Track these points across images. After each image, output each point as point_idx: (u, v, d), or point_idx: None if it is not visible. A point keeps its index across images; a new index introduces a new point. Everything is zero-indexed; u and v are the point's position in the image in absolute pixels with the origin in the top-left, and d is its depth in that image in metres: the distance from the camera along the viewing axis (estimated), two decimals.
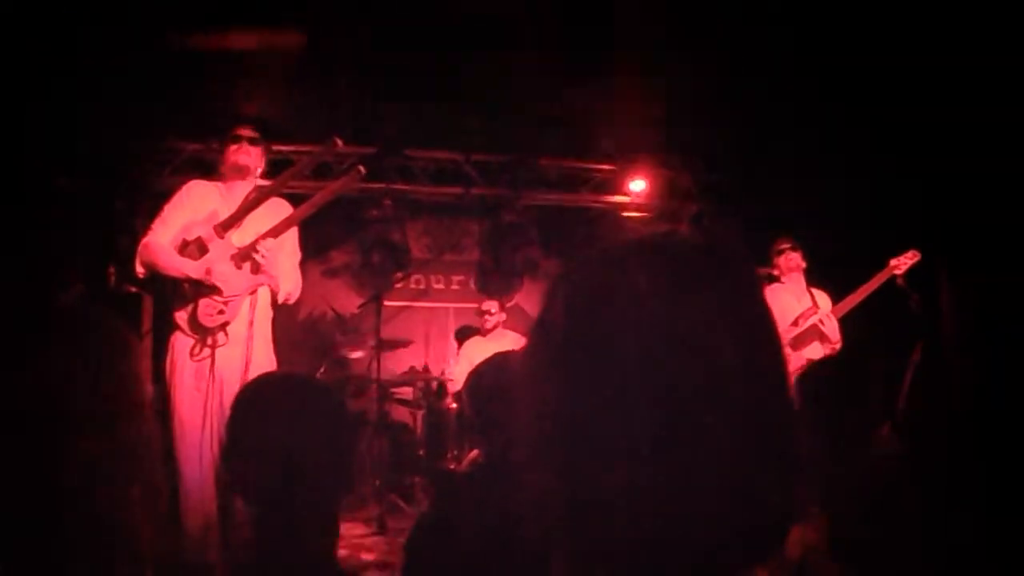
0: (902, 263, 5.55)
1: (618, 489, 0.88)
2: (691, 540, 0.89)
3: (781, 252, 5.75)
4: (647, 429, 0.87)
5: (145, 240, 4.19)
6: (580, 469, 0.92)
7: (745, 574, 0.93)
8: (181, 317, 4.10)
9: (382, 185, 7.18)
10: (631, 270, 0.94)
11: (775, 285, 5.77)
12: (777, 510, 0.92)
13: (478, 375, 2.66)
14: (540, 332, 0.99)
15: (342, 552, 4.59)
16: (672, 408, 0.88)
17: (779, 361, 0.95)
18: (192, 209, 4.24)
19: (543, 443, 0.97)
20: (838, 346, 5.56)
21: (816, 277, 5.80)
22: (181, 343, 4.10)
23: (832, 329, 5.55)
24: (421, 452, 6.28)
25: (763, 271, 5.92)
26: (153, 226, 4.23)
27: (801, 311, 5.63)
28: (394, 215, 7.40)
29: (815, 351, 5.54)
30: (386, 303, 6.86)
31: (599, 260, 0.98)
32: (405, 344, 6.86)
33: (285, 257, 4.29)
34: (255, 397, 1.96)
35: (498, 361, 2.66)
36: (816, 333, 5.57)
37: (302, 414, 1.86)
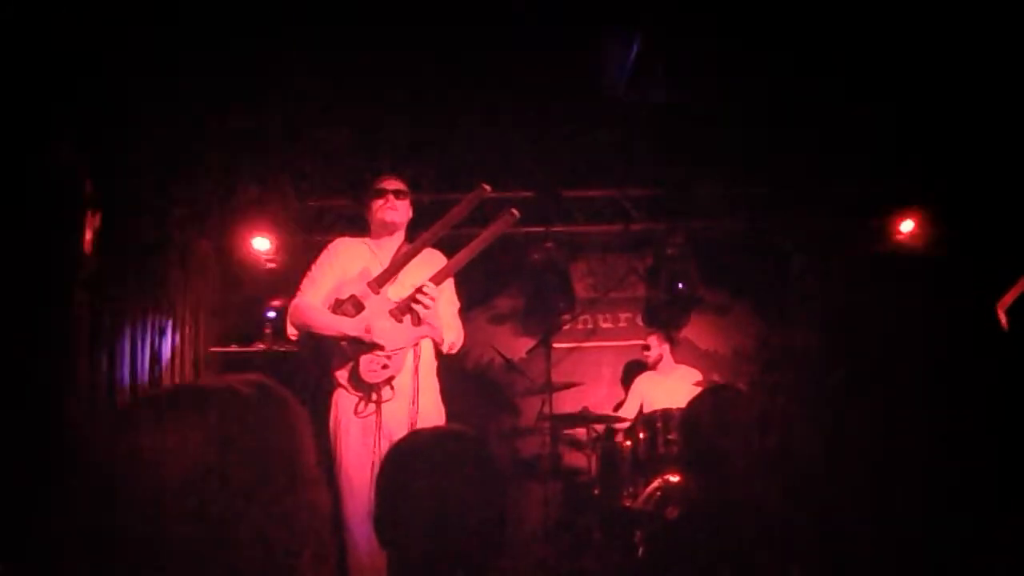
0: None
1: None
2: None
3: None
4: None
5: (295, 302, 4.21)
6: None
7: None
8: (342, 375, 4.10)
9: (541, 228, 7.22)
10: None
11: None
12: None
13: (693, 411, 2.62)
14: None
15: None
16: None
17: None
18: (341, 267, 4.24)
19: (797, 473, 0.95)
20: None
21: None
22: (344, 400, 4.10)
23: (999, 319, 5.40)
24: (596, 491, 6.23)
25: None
26: (302, 287, 4.24)
27: None
28: (556, 257, 7.40)
29: None
30: (555, 345, 6.86)
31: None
32: (575, 385, 6.83)
33: (444, 305, 4.27)
34: (402, 455, 1.96)
35: (713, 397, 2.62)
36: None
37: (450, 469, 1.85)
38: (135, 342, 5.02)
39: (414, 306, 4.04)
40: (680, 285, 7.43)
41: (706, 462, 2.46)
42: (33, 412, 3.89)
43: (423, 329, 4.14)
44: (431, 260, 4.28)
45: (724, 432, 2.40)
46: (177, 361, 5.48)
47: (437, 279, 4.12)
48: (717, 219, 7.43)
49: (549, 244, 7.34)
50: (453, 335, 4.30)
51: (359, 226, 4.46)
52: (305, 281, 4.27)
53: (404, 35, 5.13)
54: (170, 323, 5.46)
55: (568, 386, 6.67)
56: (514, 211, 4.13)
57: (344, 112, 5.63)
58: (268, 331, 5.28)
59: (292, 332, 4.22)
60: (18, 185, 3.99)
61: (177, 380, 5.29)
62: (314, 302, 4.17)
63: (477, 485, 1.86)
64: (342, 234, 4.45)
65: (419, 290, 4.03)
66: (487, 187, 4.11)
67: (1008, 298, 5.49)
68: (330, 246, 4.35)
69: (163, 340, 5.36)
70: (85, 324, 4.52)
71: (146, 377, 5.08)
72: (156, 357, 5.23)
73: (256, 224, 6.22)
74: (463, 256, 4.17)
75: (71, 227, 4.49)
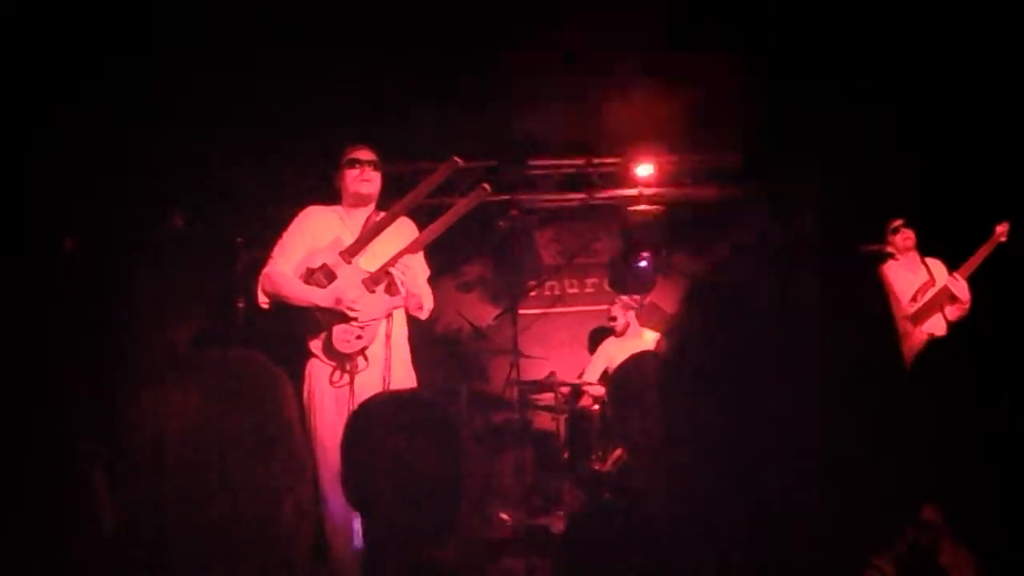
0: (1007, 229, 5.60)
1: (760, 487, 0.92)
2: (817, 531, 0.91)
3: (896, 231, 5.88)
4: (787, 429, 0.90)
5: (266, 270, 4.19)
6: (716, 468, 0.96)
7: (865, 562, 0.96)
8: (316, 345, 4.11)
9: (507, 196, 7.27)
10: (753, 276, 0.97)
11: (891, 263, 5.91)
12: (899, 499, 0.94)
13: (617, 376, 2.68)
14: (677, 340, 1.04)
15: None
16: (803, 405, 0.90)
17: (898, 353, 0.96)
18: (312, 235, 4.22)
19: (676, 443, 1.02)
20: (967, 306, 5.64)
21: (927, 250, 5.90)
22: (318, 370, 4.12)
23: (962, 289, 5.61)
24: (565, 455, 6.34)
25: (877, 248, 6.05)
26: (273, 255, 4.23)
27: (919, 285, 5.75)
28: (522, 224, 7.46)
29: (937, 323, 5.68)
30: (522, 312, 6.93)
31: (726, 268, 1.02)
32: (542, 353, 6.93)
33: (418, 274, 4.30)
34: (364, 418, 2.03)
35: (635, 362, 2.67)
36: (936, 305, 5.66)
37: (410, 431, 1.92)
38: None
39: (392, 271, 4.05)
40: (644, 261, 7.52)
41: (627, 426, 2.53)
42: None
43: (396, 299, 4.16)
44: (403, 230, 4.30)
45: (641, 397, 2.46)
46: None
47: (413, 248, 4.16)
48: (684, 186, 7.53)
49: (514, 212, 7.39)
50: (428, 301, 4.35)
51: (329, 195, 4.46)
52: (276, 248, 4.25)
53: (372, 6, 5.15)
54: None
55: (536, 351, 6.76)
56: (486, 186, 4.18)
57: (314, 83, 5.64)
58: (241, 304, 5.28)
59: (263, 300, 4.21)
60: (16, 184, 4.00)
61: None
62: (286, 270, 4.16)
63: (436, 445, 1.93)
64: (313, 202, 4.43)
65: (394, 263, 4.05)
66: (458, 160, 4.14)
67: (970, 264, 5.62)
68: (301, 214, 4.33)
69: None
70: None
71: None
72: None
73: None
74: (435, 229, 4.19)
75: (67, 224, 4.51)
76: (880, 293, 0.99)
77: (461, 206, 4.19)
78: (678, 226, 7.63)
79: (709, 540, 0.99)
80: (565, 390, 6.62)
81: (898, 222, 5.83)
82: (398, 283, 4.10)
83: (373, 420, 1.97)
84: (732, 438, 0.95)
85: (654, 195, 7.50)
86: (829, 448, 0.92)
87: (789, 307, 0.95)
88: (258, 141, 5.98)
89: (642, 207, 7.48)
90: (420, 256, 4.37)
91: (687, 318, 1.03)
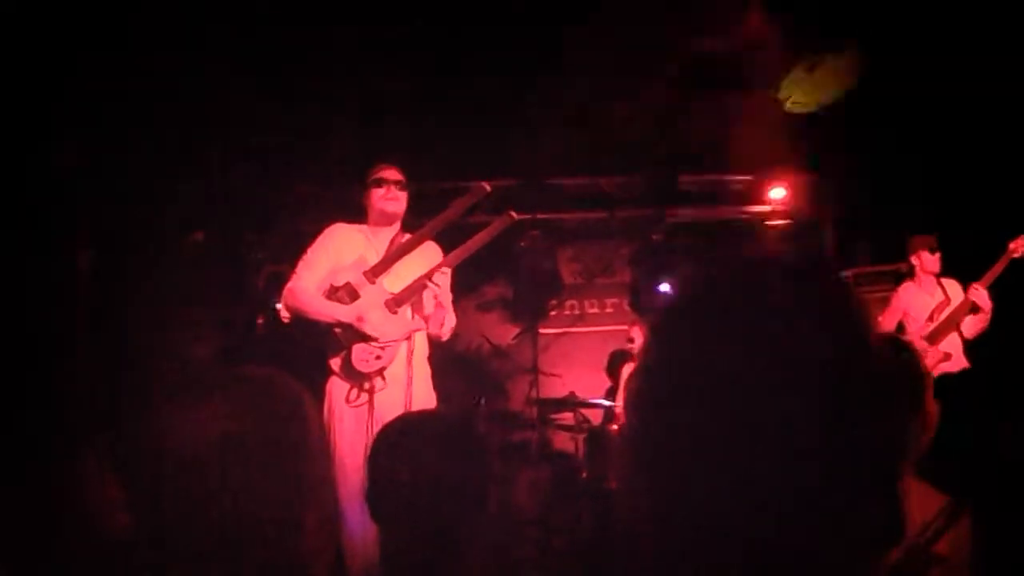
0: (1020, 245, 5.58)
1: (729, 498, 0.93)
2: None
3: (934, 251, 5.84)
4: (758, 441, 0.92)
5: (290, 285, 4.22)
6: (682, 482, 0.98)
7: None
8: (335, 363, 4.14)
9: (528, 216, 7.28)
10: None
11: (908, 284, 6.01)
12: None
13: (628, 393, 2.71)
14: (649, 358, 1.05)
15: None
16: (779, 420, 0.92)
17: (877, 373, 0.97)
18: (337, 252, 4.26)
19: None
20: (989, 315, 5.64)
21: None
22: (338, 388, 4.15)
23: (983, 298, 5.60)
24: (584, 475, 6.33)
25: (894, 267, 6.40)
26: (297, 270, 4.26)
27: (935, 305, 5.79)
28: (542, 244, 7.48)
29: (953, 342, 5.69)
30: (542, 331, 6.95)
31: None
32: (562, 372, 6.93)
33: (442, 294, 4.33)
34: (391, 435, 2.07)
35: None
36: (952, 324, 5.69)
37: (436, 448, 1.96)
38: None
39: (429, 285, 4.10)
40: (667, 270, 7.52)
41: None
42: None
43: (418, 322, 4.20)
44: (427, 253, 4.35)
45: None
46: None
47: (444, 265, 4.22)
48: (700, 204, 7.55)
49: (535, 231, 7.41)
50: (453, 321, 4.41)
51: (353, 211, 4.49)
52: (301, 264, 4.28)
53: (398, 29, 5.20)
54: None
55: (555, 371, 6.77)
56: (513, 213, 4.26)
57: (343, 103, 5.69)
58: (261, 320, 5.32)
59: (285, 315, 4.25)
60: (18, 186, 4.04)
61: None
62: (309, 286, 4.19)
63: (461, 462, 1.96)
64: (338, 219, 4.47)
65: (430, 275, 4.10)
66: (486, 186, 4.22)
67: (987, 279, 5.62)
68: (327, 230, 4.36)
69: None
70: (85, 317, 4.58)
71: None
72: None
73: None
74: (460, 254, 4.25)
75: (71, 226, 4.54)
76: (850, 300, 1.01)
77: (487, 233, 4.25)
78: (700, 244, 7.63)
79: (708, 544, 1.00)
80: (585, 410, 6.61)
81: (932, 243, 5.83)
82: (431, 298, 4.15)
83: (401, 437, 2.01)
84: (721, 443, 0.96)
85: (675, 214, 7.52)
86: (824, 449, 0.93)
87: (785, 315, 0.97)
88: (280, 156, 6.02)
89: (663, 226, 7.49)
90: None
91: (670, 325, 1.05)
